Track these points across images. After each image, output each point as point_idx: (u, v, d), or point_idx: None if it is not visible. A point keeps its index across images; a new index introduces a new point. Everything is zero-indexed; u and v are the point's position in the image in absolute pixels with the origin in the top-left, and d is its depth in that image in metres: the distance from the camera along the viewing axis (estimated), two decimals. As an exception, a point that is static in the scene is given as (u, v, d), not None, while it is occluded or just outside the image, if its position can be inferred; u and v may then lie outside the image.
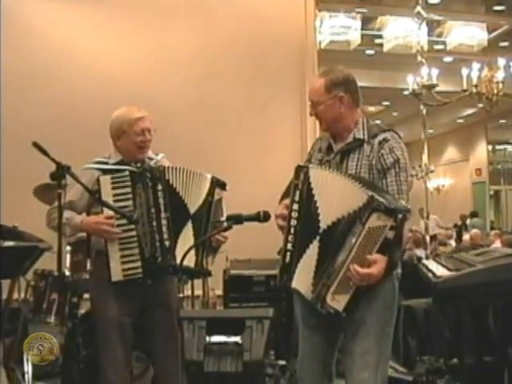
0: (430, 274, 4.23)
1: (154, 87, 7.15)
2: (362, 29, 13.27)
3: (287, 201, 3.38)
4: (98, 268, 4.02)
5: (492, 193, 23.12)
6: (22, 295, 5.50)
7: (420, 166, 12.17)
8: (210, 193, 3.91)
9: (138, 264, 3.81)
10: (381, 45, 14.09)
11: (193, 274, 4.03)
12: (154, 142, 4.18)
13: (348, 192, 3.15)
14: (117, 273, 3.80)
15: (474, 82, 9.20)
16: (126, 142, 4.02)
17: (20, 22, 7.04)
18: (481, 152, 22.87)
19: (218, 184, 3.96)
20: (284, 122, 7.72)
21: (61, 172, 3.56)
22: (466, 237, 12.62)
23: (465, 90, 9.30)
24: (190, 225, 3.87)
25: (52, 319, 5.21)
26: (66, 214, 3.77)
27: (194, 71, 7.41)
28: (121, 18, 7.31)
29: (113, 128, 4.08)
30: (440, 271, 4.20)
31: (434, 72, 9.34)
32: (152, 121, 4.08)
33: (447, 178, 24.15)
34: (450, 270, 4.19)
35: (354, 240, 3.09)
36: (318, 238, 3.19)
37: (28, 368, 5.03)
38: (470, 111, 20.14)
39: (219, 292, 6.32)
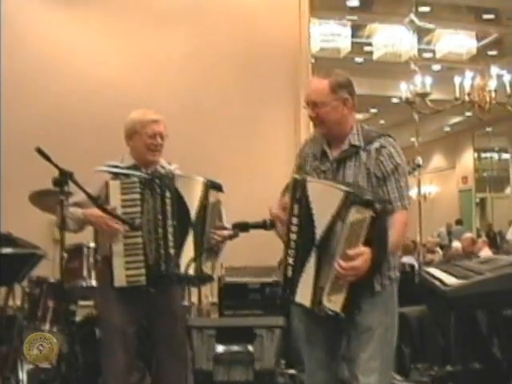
0: (437, 282, 4.21)
1: (148, 91, 7.07)
2: (352, 36, 13.27)
3: (282, 203, 3.38)
4: (103, 273, 3.99)
5: (478, 200, 23.20)
6: (18, 302, 5.45)
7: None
8: (204, 196, 3.88)
9: (142, 271, 3.80)
10: (370, 52, 14.11)
11: (195, 281, 3.99)
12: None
13: (332, 195, 3.14)
14: (120, 278, 3.79)
15: (467, 90, 9.22)
16: (138, 142, 4.03)
17: (16, 26, 6.98)
18: (467, 160, 22.98)
19: (212, 186, 3.94)
20: (278, 128, 7.67)
21: (64, 178, 3.53)
22: (455, 244, 12.62)
23: (457, 99, 9.31)
24: (191, 232, 3.85)
25: (47, 326, 5.16)
26: (71, 209, 3.83)
27: (188, 77, 7.36)
28: (115, 23, 7.26)
29: (126, 127, 4.10)
30: (449, 279, 4.18)
31: (428, 80, 9.35)
32: (166, 126, 4.07)
33: (434, 186, 24.22)
34: (458, 278, 4.18)
35: (338, 238, 3.09)
36: (314, 249, 3.17)
37: (23, 376, 4.98)
38: (456, 119, 20.22)
39: (213, 299, 6.26)
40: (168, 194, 3.84)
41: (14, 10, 7.02)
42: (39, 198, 5.31)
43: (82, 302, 5.40)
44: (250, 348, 3.21)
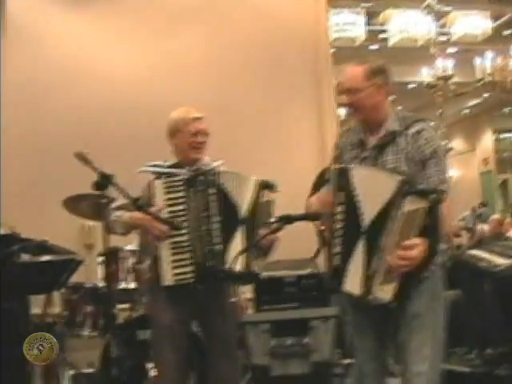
0: (483, 263, 4.17)
1: (171, 92, 7.05)
2: (366, 24, 13.19)
3: (319, 197, 3.35)
4: (153, 273, 3.98)
5: (500, 182, 23.04)
6: (56, 309, 5.46)
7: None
8: (256, 195, 3.87)
9: (189, 269, 3.79)
10: (385, 39, 13.99)
11: (242, 279, 3.97)
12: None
13: (381, 183, 3.13)
14: (168, 277, 3.78)
15: (488, 71, 9.14)
16: (180, 141, 4.02)
17: (35, 33, 7.03)
18: (487, 142, 22.82)
19: (265, 186, 3.91)
20: (301, 121, 7.67)
21: (105, 182, 3.52)
22: (483, 227, 12.50)
23: (480, 80, 9.25)
24: (240, 229, 3.83)
25: (86, 332, 5.18)
26: (117, 213, 3.85)
27: (210, 74, 7.37)
28: (135, 25, 7.29)
29: (169, 126, 4.09)
30: (498, 260, 4.14)
31: (450, 63, 9.28)
32: (209, 124, 4.06)
33: (455, 170, 24.04)
34: (507, 257, 4.14)
35: (392, 228, 3.06)
36: (363, 237, 3.15)
37: (66, 382, 4.99)
38: (474, 101, 20.07)
39: (249, 295, 6.24)
40: (212, 191, 3.83)
41: (34, 18, 7.04)
42: (73, 204, 5.31)
43: (119, 306, 5.40)
44: (306, 340, 3.18)
